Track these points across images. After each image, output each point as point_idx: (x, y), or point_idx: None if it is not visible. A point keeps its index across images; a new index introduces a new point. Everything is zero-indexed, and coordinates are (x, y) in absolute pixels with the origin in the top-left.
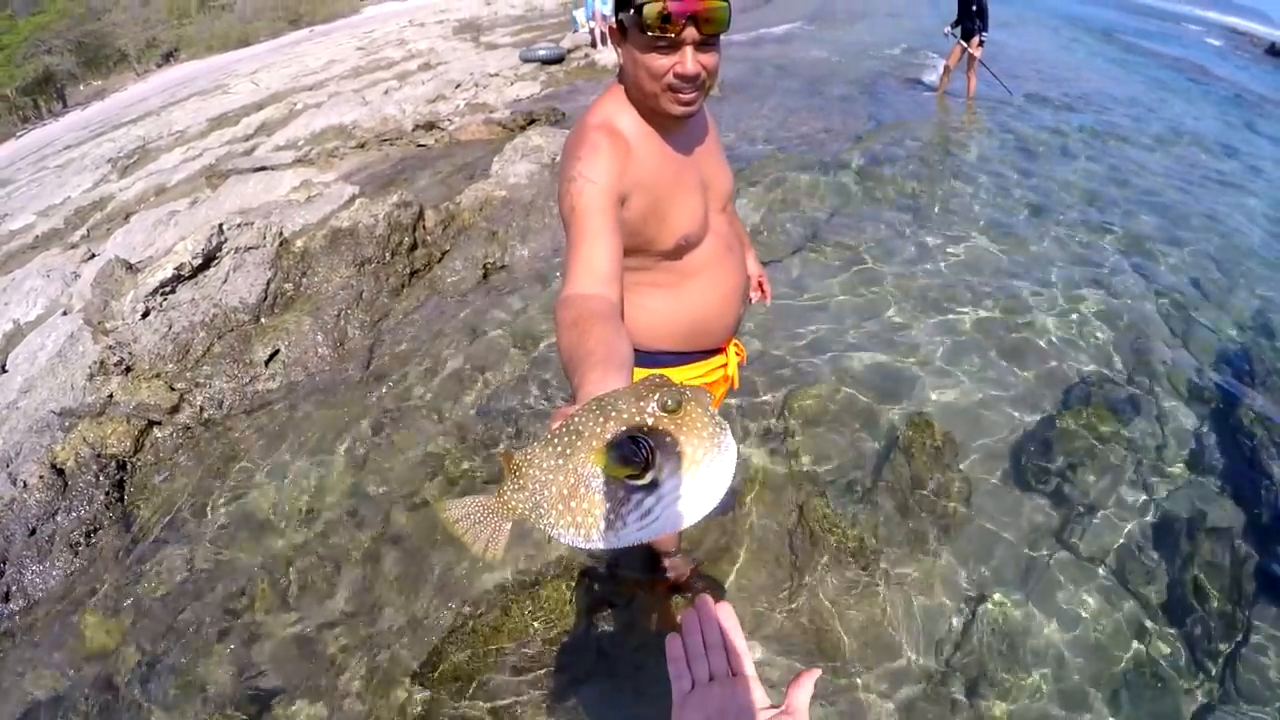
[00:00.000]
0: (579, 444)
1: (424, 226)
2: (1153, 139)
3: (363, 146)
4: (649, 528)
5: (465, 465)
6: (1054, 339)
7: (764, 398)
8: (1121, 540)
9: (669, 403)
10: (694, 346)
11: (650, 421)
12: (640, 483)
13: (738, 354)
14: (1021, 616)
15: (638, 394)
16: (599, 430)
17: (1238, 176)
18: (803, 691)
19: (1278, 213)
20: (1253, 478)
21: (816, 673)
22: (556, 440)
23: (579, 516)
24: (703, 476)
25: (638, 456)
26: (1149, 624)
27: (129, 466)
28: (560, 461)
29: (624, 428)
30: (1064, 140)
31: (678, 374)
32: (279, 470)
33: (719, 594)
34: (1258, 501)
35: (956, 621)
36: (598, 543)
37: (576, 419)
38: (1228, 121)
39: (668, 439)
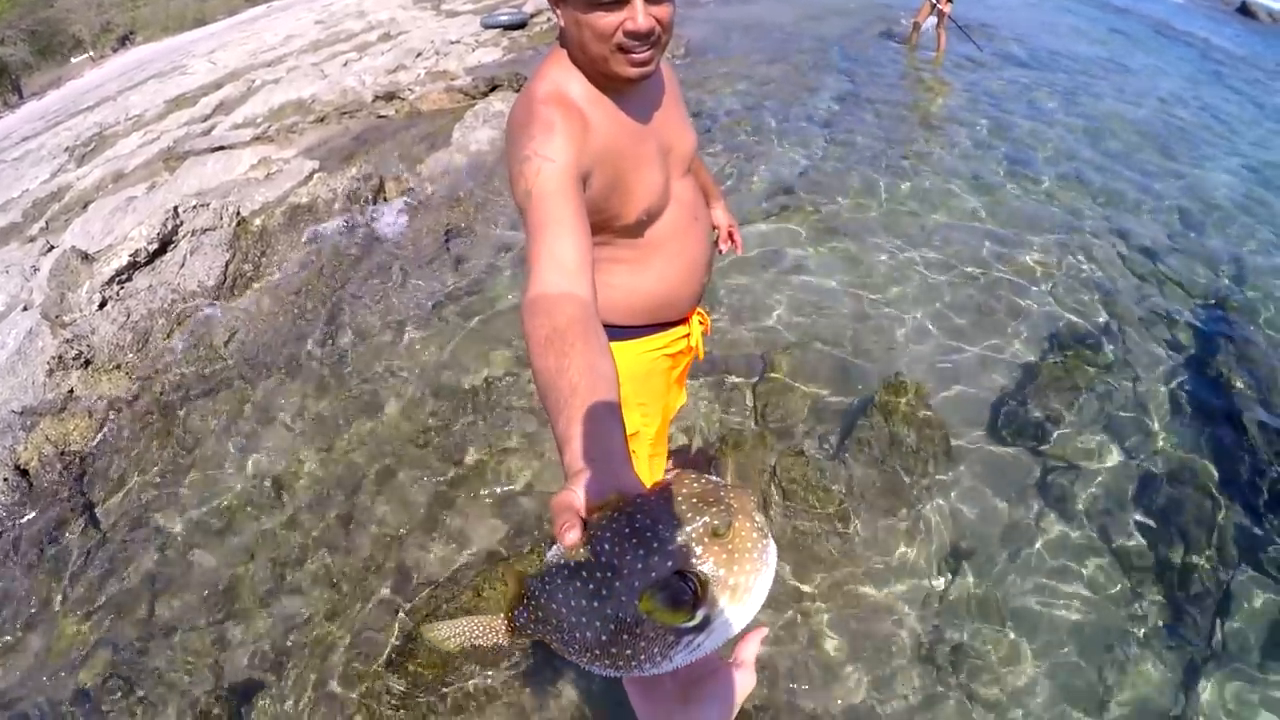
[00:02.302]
0: (618, 584)
1: (384, 198)
2: (1124, 94)
3: (322, 120)
4: (693, 656)
5: (430, 442)
6: (1030, 293)
7: (736, 356)
8: (1102, 495)
9: (719, 526)
10: (655, 320)
11: (699, 551)
12: (690, 624)
13: (701, 323)
14: (1003, 575)
15: (680, 514)
16: (640, 567)
17: (1209, 131)
18: (750, 645)
19: (1248, 166)
20: (1231, 431)
21: (764, 630)
22: (585, 573)
23: (619, 660)
24: (751, 599)
25: (686, 595)
26: (1132, 580)
27: (93, 462)
28: (595, 604)
29: (670, 562)
30: (1034, 95)
31: (638, 346)
32: (245, 456)
33: None
34: (1236, 455)
35: (938, 581)
36: (636, 675)
37: (610, 548)
38: (1198, 79)
39: (720, 571)
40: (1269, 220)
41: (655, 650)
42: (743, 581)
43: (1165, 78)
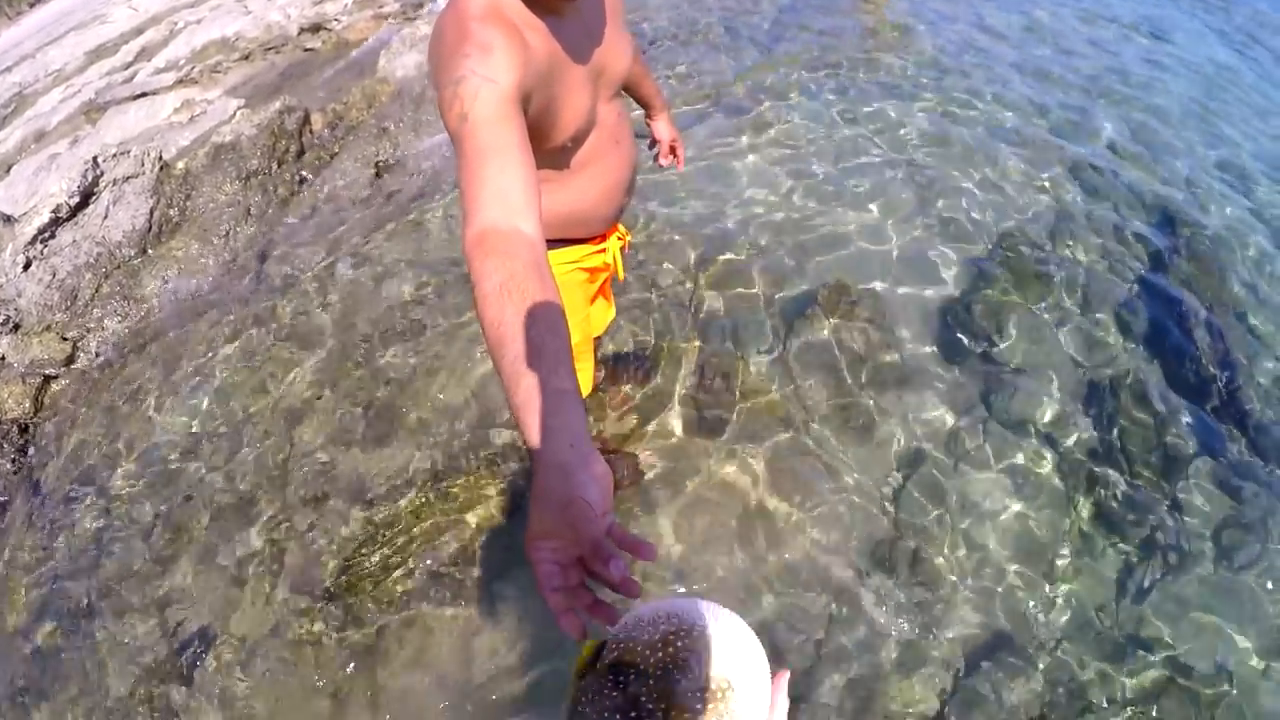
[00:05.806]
0: None
1: (310, 131)
2: (1084, 15)
3: (247, 58)
4: None
5: (362, 373)
6: (978, 200)
7: (674, 262)
8: (1049, 402)
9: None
10: (566, 235)
11: None
12: None
13: (620, 240)
14: (952, 480)
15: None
16: None
17: (1170, 59)
18: (781, 694)
19: (1201, 93)
20: (1179, 339)
21: (786, 674)
22: None
23: None
24: None
25: None
26: (1079, 486)
27: (31, 428)
28: None
29: None
30: (994, 19)
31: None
32: (181, 404)
33: (645, 475)
34: (1182, 362)
35: (886, 488)
36: None
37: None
38: (1164, 10)
39: None
40: (1223, 137)
41: None
42: None
43: (1134, 11)
